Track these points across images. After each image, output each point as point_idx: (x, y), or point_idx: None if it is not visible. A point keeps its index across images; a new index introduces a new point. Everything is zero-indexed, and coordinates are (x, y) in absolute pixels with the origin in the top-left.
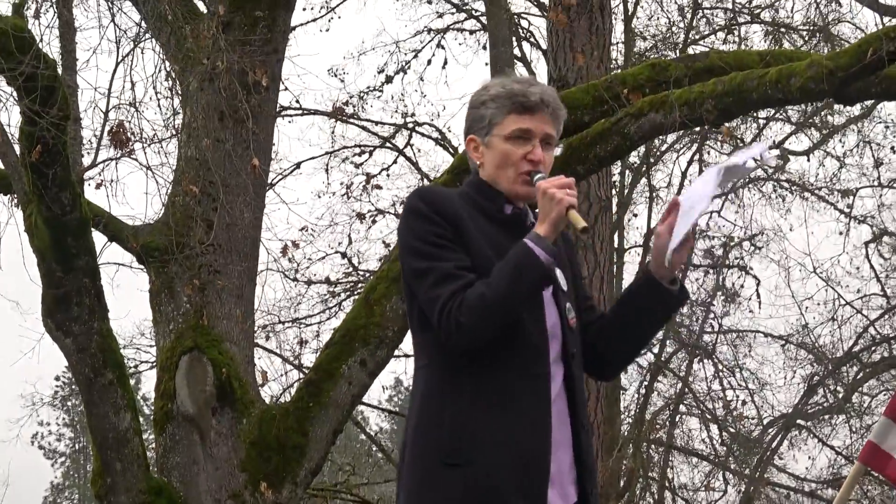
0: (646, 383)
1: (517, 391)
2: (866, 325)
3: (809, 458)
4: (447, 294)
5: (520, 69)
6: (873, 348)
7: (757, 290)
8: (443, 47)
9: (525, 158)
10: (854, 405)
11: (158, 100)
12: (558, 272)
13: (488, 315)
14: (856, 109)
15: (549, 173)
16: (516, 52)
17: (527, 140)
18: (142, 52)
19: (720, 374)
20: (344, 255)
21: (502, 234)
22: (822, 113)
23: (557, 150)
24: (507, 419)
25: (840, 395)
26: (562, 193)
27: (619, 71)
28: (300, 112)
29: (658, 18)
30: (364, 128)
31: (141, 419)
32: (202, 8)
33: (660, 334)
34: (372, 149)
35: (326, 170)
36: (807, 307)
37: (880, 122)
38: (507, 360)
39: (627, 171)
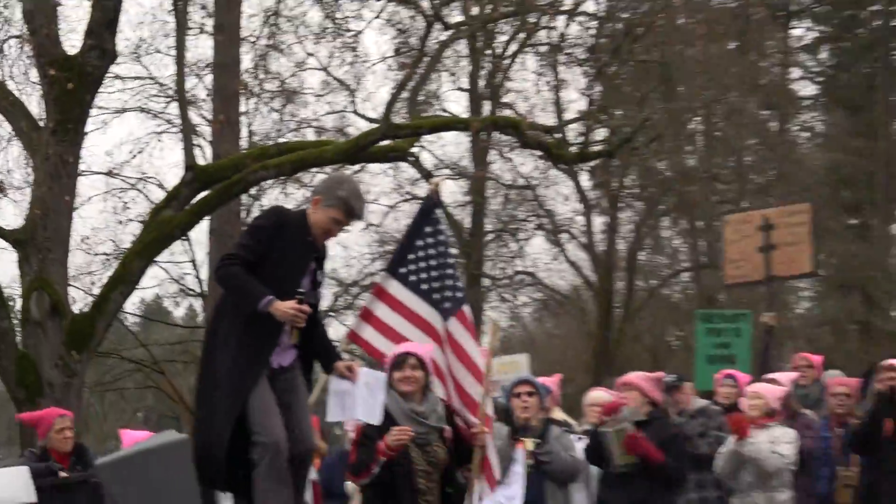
0: None
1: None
2: None
3: None
4: (232, 251)
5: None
6: None
7: None
8: None
9: (331, 231)
10: None
11: None
12: (308, 279)
13: (224, 286)
14: None
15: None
16: None
17: (339, 224)
18: None
19: None
20: None
21: (300, 245)
22: None
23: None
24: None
25: None
26: (289, 316)
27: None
28: None
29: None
30: None
31: None
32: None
33: None
34: None
35: None
36: None
37: None
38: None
39: None
